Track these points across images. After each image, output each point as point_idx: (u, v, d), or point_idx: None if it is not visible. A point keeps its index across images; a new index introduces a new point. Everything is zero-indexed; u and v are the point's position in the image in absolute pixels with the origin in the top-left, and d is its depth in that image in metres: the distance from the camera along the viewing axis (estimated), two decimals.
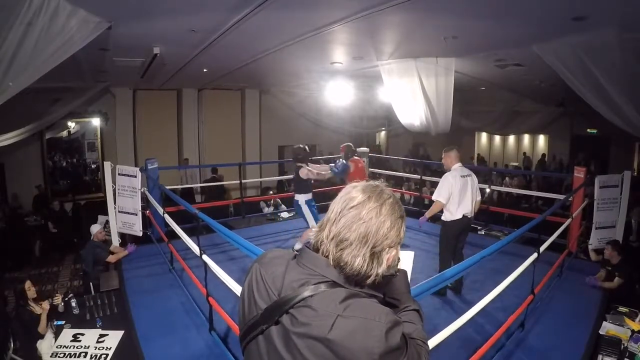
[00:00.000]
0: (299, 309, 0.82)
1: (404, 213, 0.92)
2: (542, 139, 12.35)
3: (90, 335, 3.17)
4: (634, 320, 3.26)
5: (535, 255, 3.01)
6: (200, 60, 5.51)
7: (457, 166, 3.74)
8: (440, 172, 5.00)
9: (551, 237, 3.54)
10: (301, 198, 4.59)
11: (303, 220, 4.73)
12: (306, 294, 0.83)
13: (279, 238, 5.56)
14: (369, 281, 0.87)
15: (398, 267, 1.01)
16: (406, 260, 1.17)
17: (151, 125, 9.46)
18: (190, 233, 3.56)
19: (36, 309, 3.37)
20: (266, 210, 7.18)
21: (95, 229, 4.70)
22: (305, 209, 4.56)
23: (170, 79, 7.37)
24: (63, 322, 3.37)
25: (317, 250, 0.90)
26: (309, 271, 0.87)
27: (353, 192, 0.90)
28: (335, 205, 0.91)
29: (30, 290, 3.42)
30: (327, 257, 0.88)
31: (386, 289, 0.99)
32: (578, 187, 4.64)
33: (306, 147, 4.66)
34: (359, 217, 0.86)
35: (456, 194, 3.65)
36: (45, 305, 3.39)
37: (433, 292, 2.25)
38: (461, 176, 3.68)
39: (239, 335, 0.95)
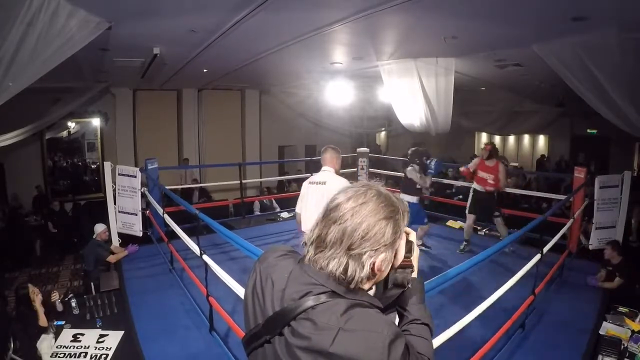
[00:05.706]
0: (300, 322, 0.81)
1: (397, 213, 0.86)
2: (542, 139, 12.34)
3: (90, 336, 3.18)
4: (634, 321, 3.26)
5: (538, 256, 3.01)
6: (200, 61, 5.50)
7: (323, 169, 3.11)
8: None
9: (554, 237, 3.54)
10: (405, 198, 4.55)
11: None
12: (307, 304, 0.82)
13: (279, 238, 5.55)
14: (352, 286, 0.84)
15: (409, 277, 0.96)
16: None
17: (151, 125, 9.44)
18: (190, 233, 3.55)
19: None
20: (257, 211, 7.17)
21: (100, 228, 4.73)
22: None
23: (170, 79, 7.36)
24: (63, 322, 3.37)
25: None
26: (310, 280, 0.85)
27: (337, 195, 0.89)
28: (322, 210, 0.90)
29: (36, 295, 3.40)
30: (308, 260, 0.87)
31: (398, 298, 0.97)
32: (578, 187, 4.64)
33: (419, 149, 4.90)
34: (334, 220, 0.84)
35: (304, 205, 3.05)
36: (39, 296, 3.32)
37: None
38: (309, 182, 3.09)
39: (242, 339, 0.94)
